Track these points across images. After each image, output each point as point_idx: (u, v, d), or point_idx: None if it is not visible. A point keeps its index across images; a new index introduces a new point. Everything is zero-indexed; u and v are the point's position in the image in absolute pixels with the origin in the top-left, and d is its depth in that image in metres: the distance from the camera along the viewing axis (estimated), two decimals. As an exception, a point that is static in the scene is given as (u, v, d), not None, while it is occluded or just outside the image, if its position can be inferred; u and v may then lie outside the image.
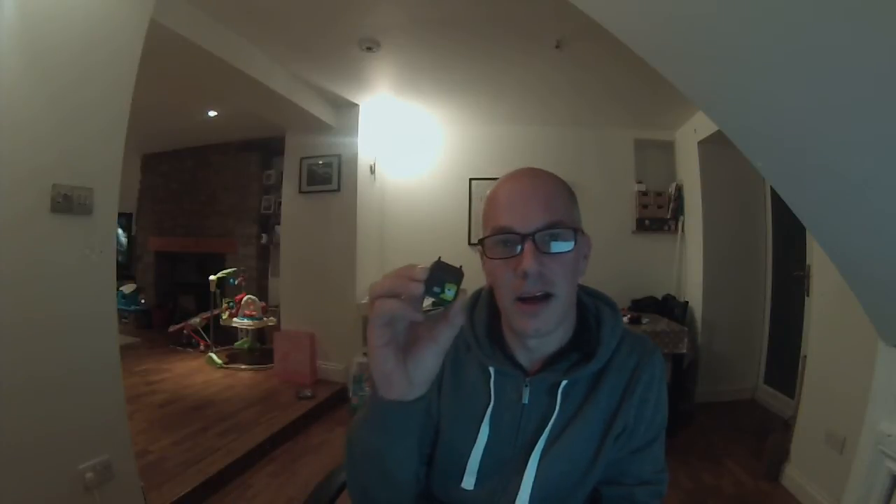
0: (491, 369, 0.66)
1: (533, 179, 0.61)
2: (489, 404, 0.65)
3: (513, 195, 0.60)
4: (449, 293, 0.39)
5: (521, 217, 0.57)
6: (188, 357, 3.87)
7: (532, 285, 0.57)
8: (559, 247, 0.57)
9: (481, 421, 0.65)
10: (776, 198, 2.89)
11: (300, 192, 3.54)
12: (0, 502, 1.19)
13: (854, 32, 0.83)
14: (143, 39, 1.55)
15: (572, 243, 0.57)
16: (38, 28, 1.24)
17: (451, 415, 0.67)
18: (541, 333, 0.60)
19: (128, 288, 4.92)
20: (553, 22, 2.11)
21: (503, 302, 0.61)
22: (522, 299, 0.58)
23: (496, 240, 0.59)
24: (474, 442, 0.64)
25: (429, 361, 0.45)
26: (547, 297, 0.57)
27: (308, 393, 3.01)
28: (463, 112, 3.51)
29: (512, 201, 0.59)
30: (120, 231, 5.16)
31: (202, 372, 3.47)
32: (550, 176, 0.63)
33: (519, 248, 0.57)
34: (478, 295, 0.72)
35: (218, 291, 3.92)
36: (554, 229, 0.57)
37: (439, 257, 0.40)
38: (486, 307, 0.69)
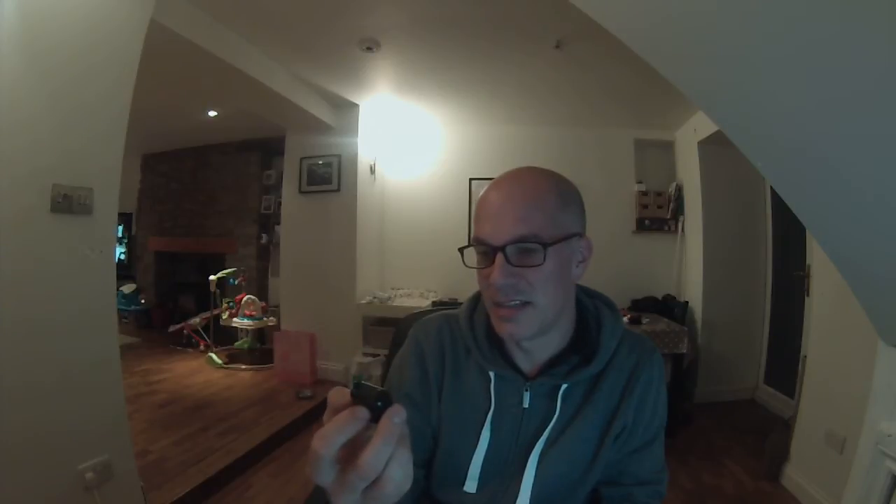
0: (491, 374, 0.66)
1: (511, 188, 0.58)
2: (490, 409, 0.65)
3: (491, 204, 0.59)
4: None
5: (493, 228, 0.57)
6: (188, 357, 3.87)
7: (504, 296, 0.57)
8: (529, 260, 0.56)
9: (482, 425, 0.65)
10: (776, 198, 2.89)
11: (300, 192, 3.54)
12: (0, 502, 1.19)
13: (853, 30, 0.83)
14: (143, 40, 1.55)
15: (543, 256, 0.55)
16: (38, 28, 1.24)
17: (451, 419, 0.67)
18: (516, 338, 0.60)
19: (128, 288, 4.91)
20: (553, 22, 2.11)
21: (486, 304, 0.62)
22: (499, 305, 0.58)
23: (476, 249, 0.60)
24: (475, 447, 0.64)
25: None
26: (523, 304, 0.57)
27: (308, 393, 3.01)
28: (463, 112, 3.51)
29: (489, 211, 0.58)
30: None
31: (202, 372, 3.47)
32: (537, 180, 0.59)
33: (492, 258, 0.57)
34: (477, 297, 0.71)
35: (218, 291, 3.92)
36: (523, 243, 0.56)
37: (359, 380, 0.36)
38: (485, 311, 0.68)
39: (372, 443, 0.31)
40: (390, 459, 0.32)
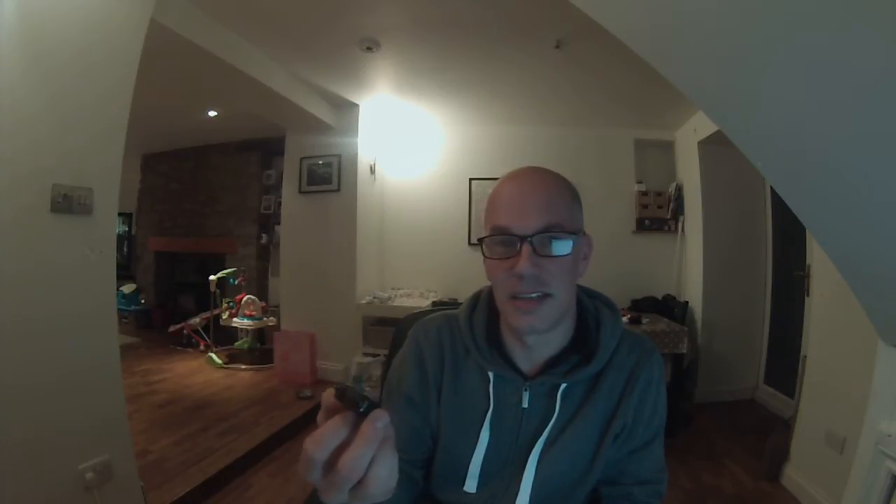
0: (490, 374, 0.66)
1: (533, 179, 0.60)
2: (489, 409, 0.65)
3: (513, 195, 0.59)
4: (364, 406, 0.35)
5: (519, 218, 0.57)
6: (188, 357, 3.87)
7: (527, 286, 0.56)
8: (556, 249, 0.56)
9: (481, 425, 0.65)
10: (776, 198, 2.89)
11: (300, 192, 3.54)
12: (0, 502, 1.19)
13: (853, 31, 0.83)
14: (143, 39, 1.55)
15: (570, 246, 0.57)
16: (38, 28, 1.24)
17: (451, 420, 0.67)
18: (535, 330, 0.59)
19: (128, 288, 4.92)
20: (553, 22, 2.11)
21: (500, 298, 0.61)
22: (517, 297, 0.58)
23: (495, 240, 0.59)
24: (475, 447, 0.64)
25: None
26: (543, 296, 0.57)
27: (308, 393, 3.01)
28: (463, 112, 3.51)
29: (511, 201, 0.58)
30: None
31: (202, 372, 3.47)
32: (553, 176, 0.61)
33: (517, 248, 0.56)
34: (477, 297, 0.71)
35: (218, 291, 3.92)
36: (551, 232, 0.56)
37: (343, 386, 0.36)
38: (485, 310, 0.69)
39: (353, 446, 0.32)
40: (373, 461, 0.33)
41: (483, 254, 0.61)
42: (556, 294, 0.58)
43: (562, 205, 0.58)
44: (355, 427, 0.33)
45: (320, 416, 0.35)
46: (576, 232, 0.58)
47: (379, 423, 0.33)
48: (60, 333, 1.34)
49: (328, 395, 0.35)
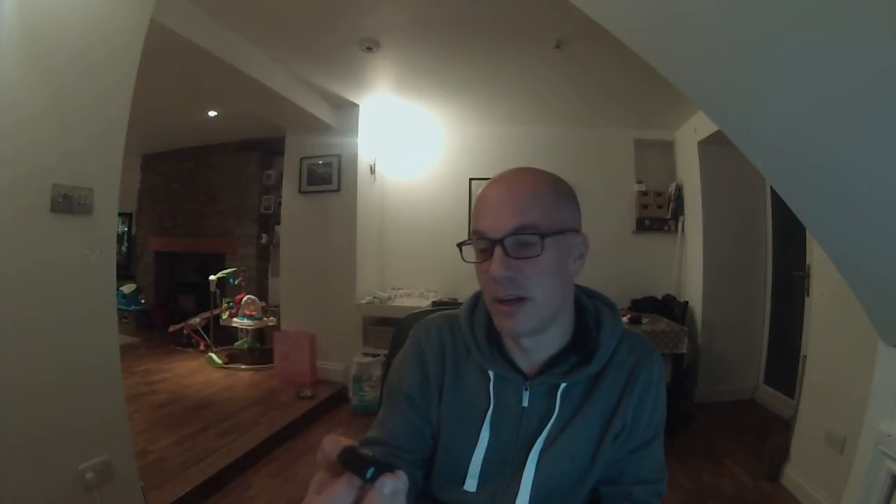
0: (490, 373, 0.66)
1: (509, 183, 0.60)
2: (489, 408, 0.65)
3: (488, 200, 0.60)
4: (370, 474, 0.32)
5: (492, 222, 0.58)
6: (188, 357, 3.87)
7: (503, 289, 0.57)
8: (528, 251, 0.56)
9: (482, 425, 0.65)
10: (776, 198, 2.89)
11: (300, 192, 3.54)
12: (0, 502, 1.19)
13: (853, 31, 0.83)
14: (143, 39, 1.55)
15: (539, 248, 0.56)
16: (38, 28, 1.24)
17: (451, 419, 0.67)
18: (516, 333, 0.60)
19: (128, 288, 4.92)
20: (553, 22, 2.11)
21: (486, 300, 0.63)
22: (499, 300, 0.58)
23: (472, 244, 0.60)
24: (475, 445, 0.64)
25: None
26: (519, 300, 0.57)
27: (308, 393, 3.01)
28: (463, 112, 3.51)
29: (486, 205, 0.59)
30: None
31: (202, 372, 3.48)
32: (534, 176, 0.60)
33: (491, 251, 0.57)
34: (477, 297, 0.72)
35: (218, 291, 3.92)
36: (523, 233, 0.56)
37: (348, 449, 0.33)
38: (485, 310, 0.68)
39: None
40: None
41: (462, 258, 0.63)
42: (534, 296, 0.57)
43: (538, 206, 0.58)
44: (361, 490, 0.31)
45: (321, 460, 0.33)
46: (555, 232, 0.57)
47: (387, 489, 0.31)
48: (60, 333, 1.34)
49: (331, 445, 0.33)
